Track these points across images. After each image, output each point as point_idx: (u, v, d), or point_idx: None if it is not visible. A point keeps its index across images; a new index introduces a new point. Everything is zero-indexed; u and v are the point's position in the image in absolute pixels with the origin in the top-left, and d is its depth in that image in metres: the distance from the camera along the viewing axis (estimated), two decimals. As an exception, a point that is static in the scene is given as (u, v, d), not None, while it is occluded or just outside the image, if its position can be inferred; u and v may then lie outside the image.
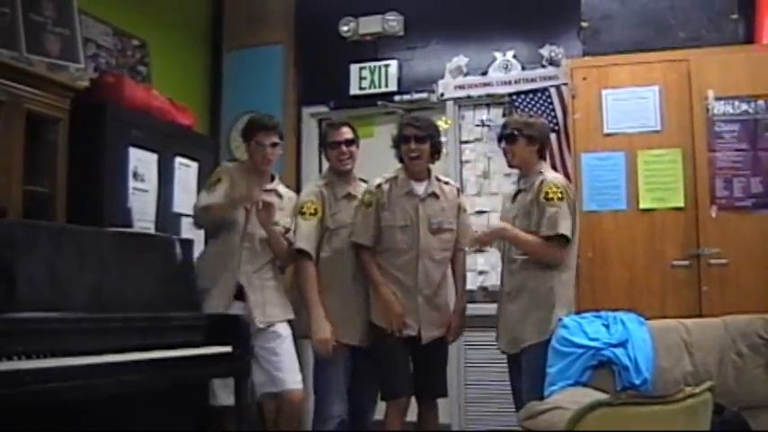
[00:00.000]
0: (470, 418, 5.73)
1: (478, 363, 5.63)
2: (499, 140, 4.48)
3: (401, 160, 4.50)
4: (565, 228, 4.09)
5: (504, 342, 4.29)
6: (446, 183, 4.60)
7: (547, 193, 4.15)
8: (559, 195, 4.14)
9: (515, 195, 4.42)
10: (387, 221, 4.38)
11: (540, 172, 4.30)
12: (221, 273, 4.41)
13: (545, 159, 4.45)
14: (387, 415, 4.34)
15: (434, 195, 4.46)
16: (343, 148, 4.58)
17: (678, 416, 2.14)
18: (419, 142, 4.41)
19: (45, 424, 3.24)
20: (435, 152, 4.50)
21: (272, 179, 4.62)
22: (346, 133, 4.62)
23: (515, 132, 4.32)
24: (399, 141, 4.46)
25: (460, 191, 4.72)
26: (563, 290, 4.17)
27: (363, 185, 4.65)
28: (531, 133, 4.32)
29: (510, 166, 4.49)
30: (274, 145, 4.49)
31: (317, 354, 4.40)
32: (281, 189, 4.65)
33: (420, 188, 4.45)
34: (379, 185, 4.45)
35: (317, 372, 4.44)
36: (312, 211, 4.49)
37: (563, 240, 4.12)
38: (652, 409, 2.11)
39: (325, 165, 4.87)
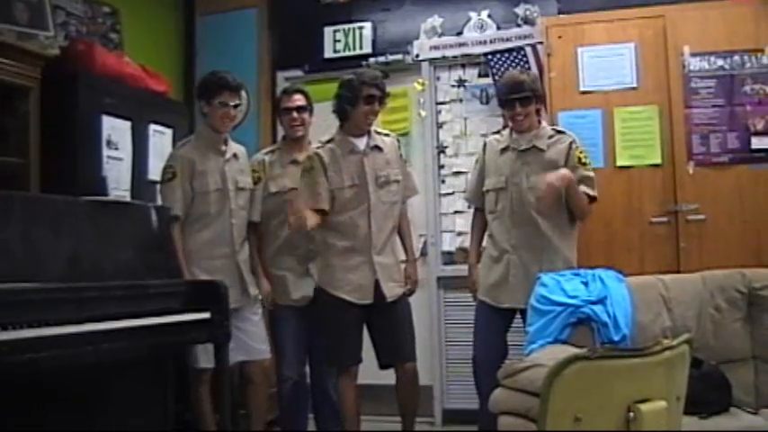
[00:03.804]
0: (452, 378, 5.76)
1: (457, 318, 5.66)
2: (504, 104, 4.43)
3: (342, 118, 4.40)
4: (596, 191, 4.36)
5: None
6: (386, 135, 4.57)
7: (580, 158, 4.32)
8: (589, 160, 4.40)
9: (518, 150, 4.37)
10: (334, 184, 4.33)
11: (561, 132, 4.46)
12: (219, 260, 4.41)
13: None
14: (339, 383, 4.38)
15: (377, 148, 4.43)
16: (294, 114, 4.67)
17: (656, 368, 2.14)
18: (381, 103, 4.38)
19: (24, 394, 3.24)
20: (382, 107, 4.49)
21: (226, 142, 4.56)
22: (298, 100, 4.71)
23: (530, 94, 4.32)
24: (356, 101, 4.31)
25: (400, 141, 4.65)
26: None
27: None
28: (540, 92, 4.46)
29: (519, 130, 4.40)
30: (236, 106, 4.48)
31: (272, 318, 4.60)
32: (235, 148, 4.60)
33: (361, 143, 4.40)
34: (316, 152, 4.38)
35: (272, 337, 4.59)
36: (255, 179, 4.63)
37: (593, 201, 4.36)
38: (629, 362, 2.11)
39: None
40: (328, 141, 4.41)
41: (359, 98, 4.30)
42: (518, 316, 4.38)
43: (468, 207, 4.94)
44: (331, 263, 4.36)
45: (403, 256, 4.57)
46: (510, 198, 4.35)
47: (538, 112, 4.45)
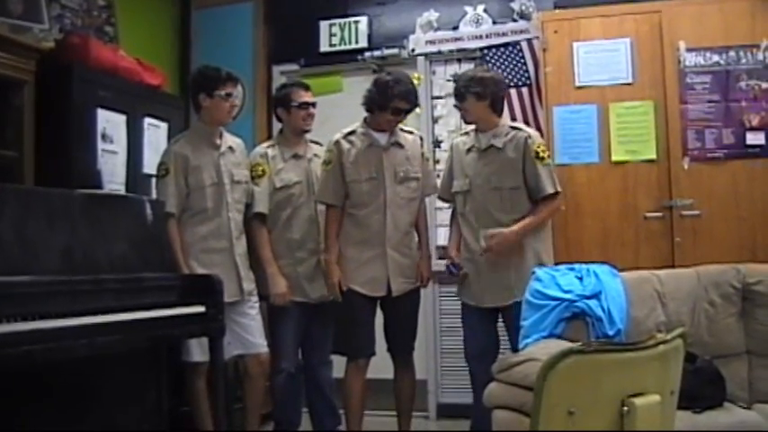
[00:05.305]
0: (446, 370, 5.77)
1: (452, 314, 5.65)
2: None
3: (369, 111, 4.46)
4: (558, 183, 4.33)
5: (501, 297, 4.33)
6: (409, 132, 4.62)
7: (537, 152, 4.29)
8: (548, 153, 4.39)
9: (479, 150, 4.41)
10: (351, 176, 4.40)
11: (517, 128, 4.45)
12: (217, 254, 4.41)
13: (501, 112, 4.48)
14: (347, 373, 4.40)
15: (398, 145, 4.48)
16: (311, 109, 4.70)
17: (650, 362, 2.14)
18: (408, 114, 4.45)
19: (18, 387, 3.24)
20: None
21: (221, 135, 4.56)
22: (312, 95, 4.74)
23: (462, 90, 4.37)
24: (384, 108, 4.36)
25: (423, 139, 4.73)
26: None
27: (314, 147, 4.77)
28: (478, 90, 4.34)
29: (466, 122, 4.54)
30: (236, 97, 4.53)
31: (272, 310, 4.57)
32: (230, 141, 4.61)
33: (383, 138, 4.46)
34: (336, 142, 4.46)
35: (270, 329, 4.59)
36: (260, 172, 4.60)
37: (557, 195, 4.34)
38: (624, 356, 2.11)
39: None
40: (351, 133, 4.48)
41: (387, 107, 4.36)
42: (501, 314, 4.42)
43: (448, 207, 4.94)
44: (345, 254, 4.41)
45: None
46: (474, 200, 4.38)
47: (494, 109, 4.42)
